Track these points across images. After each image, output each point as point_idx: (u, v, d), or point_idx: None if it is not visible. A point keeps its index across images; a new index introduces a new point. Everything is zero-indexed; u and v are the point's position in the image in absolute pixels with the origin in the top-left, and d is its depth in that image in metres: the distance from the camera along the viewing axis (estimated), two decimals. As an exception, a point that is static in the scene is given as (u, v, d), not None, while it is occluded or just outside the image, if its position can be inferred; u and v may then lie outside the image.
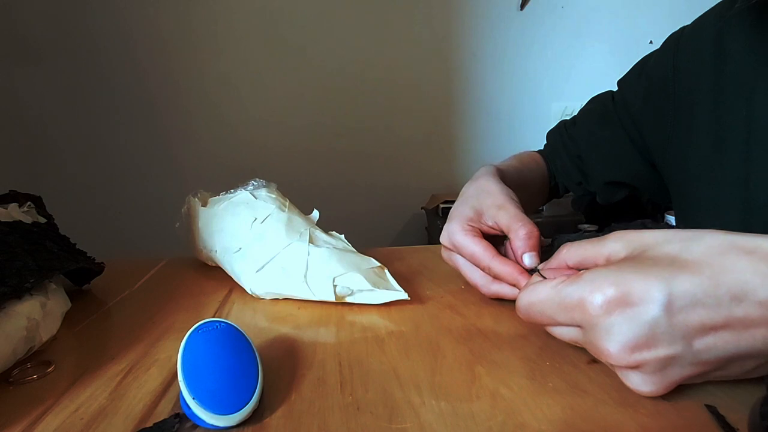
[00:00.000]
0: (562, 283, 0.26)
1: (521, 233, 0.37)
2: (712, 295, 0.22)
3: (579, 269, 0.30)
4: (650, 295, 0.23)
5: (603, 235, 0.29)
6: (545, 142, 0.64)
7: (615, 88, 0.60)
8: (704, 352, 0.23)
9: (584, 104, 0.61)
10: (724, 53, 0.41)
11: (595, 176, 0.57)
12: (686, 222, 0.48)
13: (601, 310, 0.24)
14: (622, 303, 0.23)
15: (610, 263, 0.27)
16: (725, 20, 0.42)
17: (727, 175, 0.41)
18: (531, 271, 0.37)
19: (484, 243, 0.39)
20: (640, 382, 0.25)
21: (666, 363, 0.23)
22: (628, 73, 0.55)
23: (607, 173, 0.56)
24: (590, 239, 0.29)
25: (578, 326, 0.26)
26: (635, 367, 0.24)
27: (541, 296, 0.27)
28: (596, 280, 0.25)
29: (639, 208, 1.30)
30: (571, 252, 0.30)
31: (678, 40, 0.47)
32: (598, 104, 0.58)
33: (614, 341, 0.24)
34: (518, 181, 0.51)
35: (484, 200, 0.42)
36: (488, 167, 0.48)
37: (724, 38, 0.41)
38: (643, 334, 0.23)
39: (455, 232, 0.41)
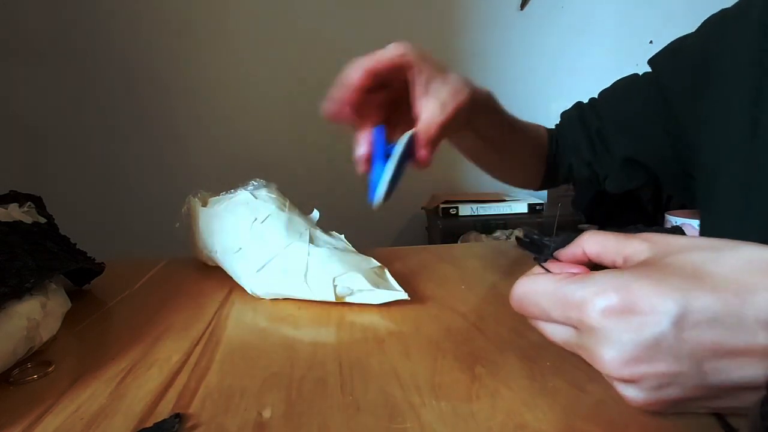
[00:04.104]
0: (566, 279, 0.24)
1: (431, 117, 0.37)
2: (736, 315, 0.19)
3: (595, 262, 0.28)
4: (661, 306, 0.20)
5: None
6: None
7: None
8: (712, 375, 0.20)
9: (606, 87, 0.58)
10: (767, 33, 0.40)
11: (613, 152, 0.54)
12: (710, 208, 0.46)
13: (602, 314, 0.21)
14: (627, 311, 0.21)
15: (627, 263, 0.25)
16: None
17: (758, 157, 0.39)
18: (536, 260, 0.36)
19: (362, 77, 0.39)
20: (632, 394, 0.22)
21: (666, 380, 0.21)
22: (660, 52, 0.52)
23: (629, 148, 0.52)
24: (617, 233, 0.27)
25: (574, 327, 0.24)
26: (631, 381, 0.22)
27: (539, 287, 0.25)
28: (604, 282, 0.22)
29: (640, 209, 1.30)
30: (591, 241, 0.27)
31: (721, 19, 0.45)
32: (625, 81, 0.55)
33: (612, 349, 0.21)
34: (509, 121, 0.51)
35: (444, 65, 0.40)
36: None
37: None
38: (646, 346, 0.20)
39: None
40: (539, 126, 0.60)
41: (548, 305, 0.24)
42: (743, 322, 0.19)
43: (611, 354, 0.21)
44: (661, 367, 0.21)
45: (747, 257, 0.20)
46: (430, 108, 0.39)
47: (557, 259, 0.29)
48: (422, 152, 0.38)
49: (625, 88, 0.54)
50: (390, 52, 0.39)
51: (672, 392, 0.21)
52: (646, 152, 0.52)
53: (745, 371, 0.20)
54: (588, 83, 1.63)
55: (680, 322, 0.20)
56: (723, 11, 0.46)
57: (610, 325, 0.21)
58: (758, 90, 0.40)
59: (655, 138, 0.51)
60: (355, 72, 0.38)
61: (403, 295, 0.41)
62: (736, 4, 0.45)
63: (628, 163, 0.53)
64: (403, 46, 0.39)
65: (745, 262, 0.20)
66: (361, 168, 0.39)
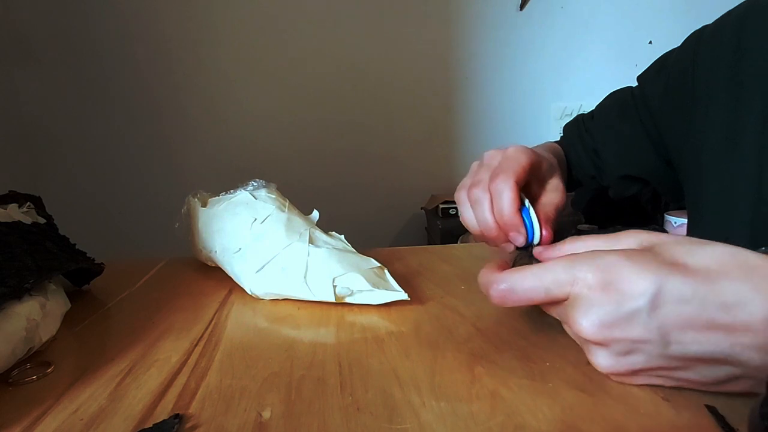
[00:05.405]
0: (556, 259, 0.27)
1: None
2: (701, 297, 0.23)
3: None
4: (641, 285, 0.23)
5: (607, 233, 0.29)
6: (561, 134, 0.64)
7: (615, 88, 0.60)
8: (675, 346, 0.24)
9: (602, 99, 0.61)
10: (743, 49, 0.41)
11: (609, 170, 0.57)
12: (699, 217, 0.48)
13: (588, 287, 0.25)
14: (610, 286, 0.24)
15: None
16: (747, 16, 0.42)
17: (740, 168, 0.41)
18: (519, 248, 0.39)
19: (516, 194, 0.39)
20: (602, 358, 0.26)
21: (634, 347, 0.24)
22: (647, 69, 0.55)
23: (622, 167, 0.56)
24: (601, 235, 0.29)
25: (561, 299, 0.26)
26: (602, 344, 0.25)
27: (527, 271, 0.27)
28: (592, 260, 0.25)
29: (639, 209, 1.30)
30: (576, 246, 0.29)
31: (699, 37, 0.47)
32: (617, 99, 0.58)
33: (591, 315, 0.24)
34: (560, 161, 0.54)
35: (553, 166, 0.45)
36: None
37: (744, 34, 0.42)
38: (621, 317, 0.24)
39: (511, 165, 0.40)
40: (558, 148, 0.61)
41: (537, 280, 0.27)
42: (707, 304, 0.23)
43: (590, 319, 0.25)
44: (631, 334, 0.24)
45: (718, 253, 0.24)
46: (551, 194, 0.44)
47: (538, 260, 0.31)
48: (545, 234, 0.39)
49: (617, 112, 0.57)
50: (522, 162, 0.41)
51: (637, 360, 0.25)
52: (638, 169, 0.55)
53: (703, 346, 0.23)
54: (587, 83, 1.63)
55: (655, 300, 0.23)
56: (702, 28, 0.48)
57: (594, 297, 0.25)
58: (736, 106, 0.42)
59: (645, 156, 0.54)
60: (507, 204, 0.39)
61: (402, 295, 0.41)
62: (714, 22, 0.47)
63: (624, 177, 0.57)
64: (523, 151, 0.42)
65: (715, 257, 0.24)
66: (512, 248, 0.41)
